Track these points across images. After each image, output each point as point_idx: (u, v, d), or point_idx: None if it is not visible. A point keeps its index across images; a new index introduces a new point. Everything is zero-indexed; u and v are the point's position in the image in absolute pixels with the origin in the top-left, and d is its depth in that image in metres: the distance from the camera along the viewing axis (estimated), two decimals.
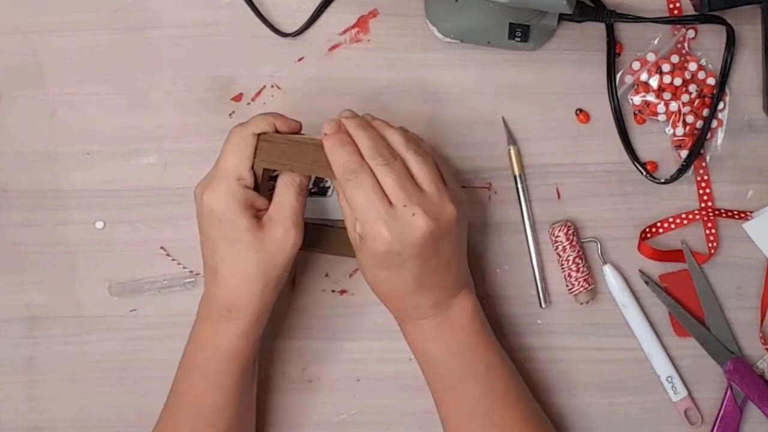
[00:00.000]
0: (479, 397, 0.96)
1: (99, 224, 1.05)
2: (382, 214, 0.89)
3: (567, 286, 1.04)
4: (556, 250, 1.04)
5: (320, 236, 1.01)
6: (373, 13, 1.05)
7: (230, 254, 0.92)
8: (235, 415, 0.97)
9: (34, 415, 1.06)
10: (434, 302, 0.94)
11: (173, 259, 1.05)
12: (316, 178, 1.01)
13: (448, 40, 1.04)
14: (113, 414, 1.06)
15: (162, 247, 1.05)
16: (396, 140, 0.92)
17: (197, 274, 1.05)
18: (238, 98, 1.05)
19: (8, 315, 1.06)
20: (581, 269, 1.03)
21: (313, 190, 1.02)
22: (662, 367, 1.04)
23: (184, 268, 1.05)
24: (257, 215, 0.93)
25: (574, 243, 1.03)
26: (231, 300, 0.94)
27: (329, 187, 1.03)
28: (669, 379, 1.04)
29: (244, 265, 0.92)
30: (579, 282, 1.03)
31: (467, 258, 0.98)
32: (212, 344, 0.95)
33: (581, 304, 1.04)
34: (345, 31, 1.05)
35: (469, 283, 0.97)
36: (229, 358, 0.95)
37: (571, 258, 1.03)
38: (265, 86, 1.05)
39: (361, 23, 1.05)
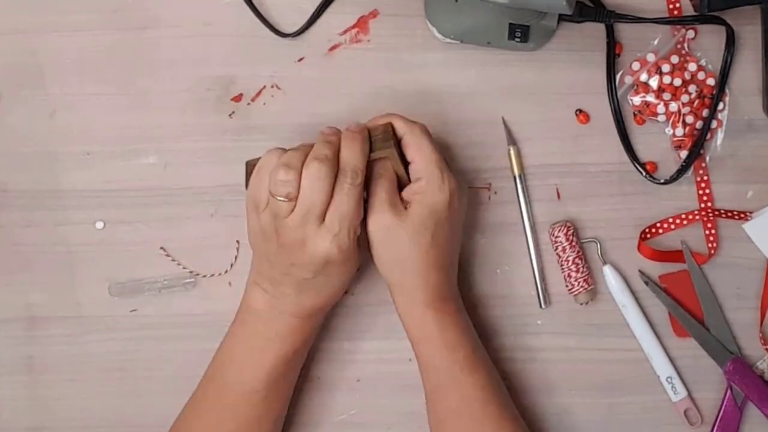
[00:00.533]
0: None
1: (99, 224, 1.05)
2: (443, 166, 0.95)
3: (567, 286, 1.04)
4: (555, 250, 1.04)
5: None
6: (373, 14, 1.05)
7: (330, 278, 0.95)
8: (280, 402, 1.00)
9: (34, 415, 1.06)
10: (452, 282, 0.98)
11: (173, 260, 1.05)
12: None
13: (448, 40, 1.04)
14: (113, 414, 1.06)
15: (162, 248, 1.05)
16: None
17: (197, 274, 1.05)
18: (238, 98, 1.05)
19: (8, 315, 1.06)
20: (581, 269, 1.03)
21: None
22: (662, 367, 1.04)
23: (184, 268, 1.05)
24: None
25: (573, 243, 1.03)
26: (320, 304, 0.97)
27: None
28: (669, 379, 1.04)
29: (341, 282, 0.97)
30: (579, 282, 1.03)
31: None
32: (294, 337, 0.97)
33: (581, 304, 1.04)
34: (345, 32, 1.05)
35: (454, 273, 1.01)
36: (306, 346, 0.99)
37: (570, 258, 1.03)
38: (265, 86, 1.05)
39: (361, 23, 1.05)
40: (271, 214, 0.92)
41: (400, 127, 0.95)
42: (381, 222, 0.94)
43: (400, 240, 0.94)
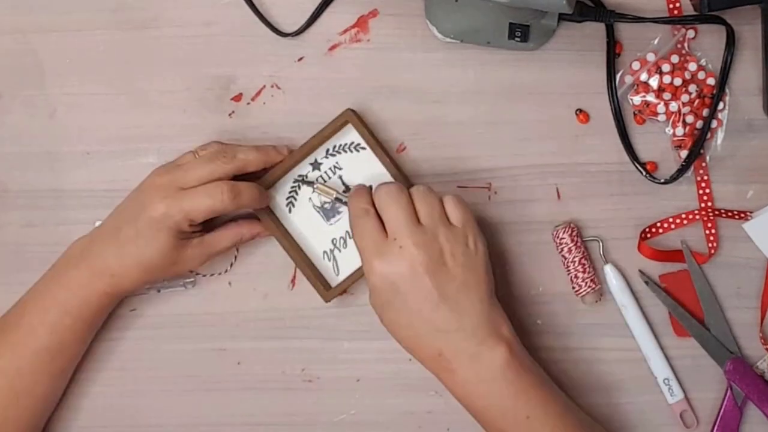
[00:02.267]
0: None
1: (99, 224, 1.05)
2: (373, 246, 0.94)
3: (573, 287, 1.04)
4: (560, 252, 1.04)
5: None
6: (373, 13, 1.05)
7: (142, 246, 0.97)
8: (68, 365, 1.02)
9: None
10: (456, 350, 0.93)
11: None
12: (337, 200, 1.04)
13: (448, 40, 1.04)
14: (113, 414, 1.06)
15: None
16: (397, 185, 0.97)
17: (197, 274, 1.05)
18: (238, 98, 1.05)
19: None
20: (587, 270, 1.03)
21: (325, 206, 1.04)
22: (660, 369, 1.04)
23: None
24: (191, 228, 0.99)
25: (578, 244, 1.03)
26: (116, 270, 0.98)
27: (339, 214, 1.05)
28: (666, 381, 1.04)
29: (147, 258, 0.98)
30: (586, 283, 1.03)
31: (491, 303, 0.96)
32: (82, 293, 0.99)
33: (588, 304, 1.04)
34: (345, 31, 1.05)
35: (498, 331, 0.94)
36: (91, 309, 1.00)
37: (576, 259, 1.03)
38: (265, 86, 1.05)
39: (361, 23, 1.05)
40: (174, 161, 1.01)
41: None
42: (373, 264, 0.96)
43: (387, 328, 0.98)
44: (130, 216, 0.98)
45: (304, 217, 1.04)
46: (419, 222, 0.94)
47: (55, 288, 0.99)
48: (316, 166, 1.04)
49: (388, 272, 0.93)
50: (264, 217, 1.02)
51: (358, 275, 1.02)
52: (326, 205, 1.04)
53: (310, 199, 1.04)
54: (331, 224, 1.04)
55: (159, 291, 1.05)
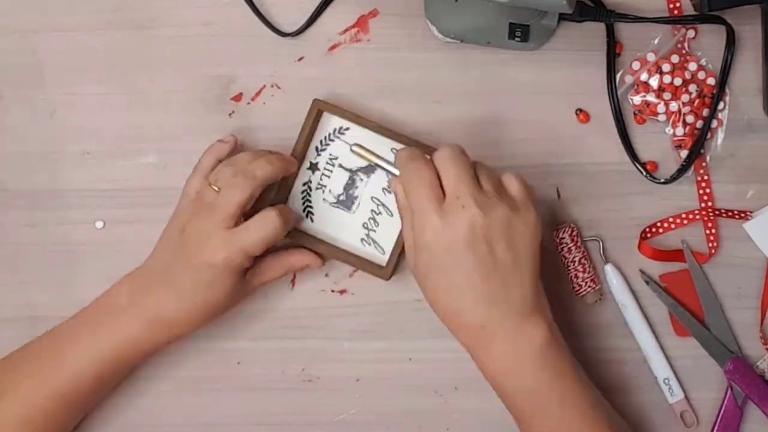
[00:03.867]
0: (550, 431, 0.92)
1: (99, 224, 1.05)
2: (434, 204, 0.89)
3: (574, 287, 1.04)
4: (561, 252, 1.04)
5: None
6: (373, 13, 1.05)
7: (201, 291, 0.96)
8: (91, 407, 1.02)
9: None
10: (498, 322, 0.90)
11: None
12: (347, 187, 1.03)
13: (448, 40, 1.04)
14: (113, 414, 1.06)
15: None
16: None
17: None
18: (238, 98, 1.05)
19: (8, 315, 1.06)
20: (587, 270, 1.03)
21: (341, 199, 1.03)
22: (660, 368, 1.04)
23: None
24: (250, 264, 0.99)
25: (579, 244, 1.03)
26: (173, 318, 0.97)
27: (356, 198, 1.03)
28: (666, 381, 1.04)
29: (208, 302, 0.97)
30: (586, 282, 1.03)
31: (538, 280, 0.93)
32: (129, 340, 0.97)
33: (588, 304, 1.04)
34: (345, 31, 1.05)
35: (542, 312, 0.92)
36: (135, 357, 0.99)
37: (577, 259, 1.03)
38: (265, 86, 1.05)
39: (361, 23, 1.05)
40: (198, 200, 0.97)
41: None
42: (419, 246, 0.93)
43: (425, 294, 0.94)
44: (184, 264, 0.96)
45: (327, 218, 1.03)
46: (481, 186, 0.91)
47: (104, 338, 0.97)
48: (313, 167, 1.04)
49: (446, 230, 0.88)
50: (298, 238, 1.02)
51: (401, 242, 1.00)
52: (341, 197, 1.03)
53: (324, 200, 1.03)
54: (353, 212, 1.03)
55: None
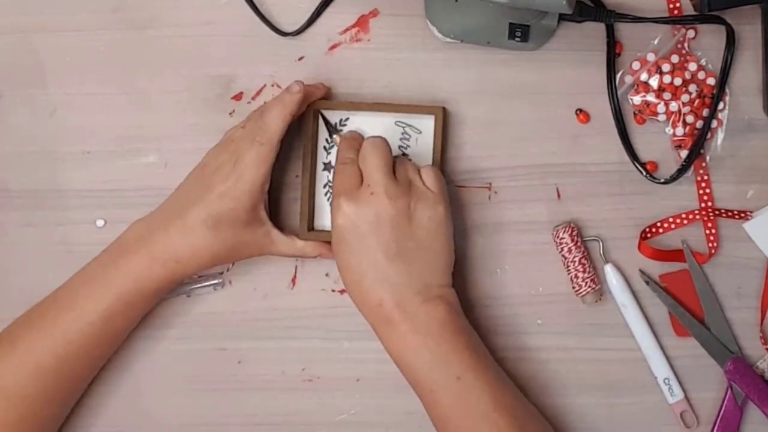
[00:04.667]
0: (450, 406, 0.95)
1: (99, 222, 1.05)
2: (347, 189, 0.96)
3: (573, 287, 1.04)
4: (561, 252, 1.04)
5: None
6: (373, 13, 1.05)
7: (213, 227, 0.97)
8: (110, 352, 1.02)
9: None
10: (398, 301, 0.95)
11: None
12: None
13: (448, 40, 1.04)
14: (113, 414, 1.06)
15: None
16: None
17: (221, 273, 1.05)
18: (238, 97, 1.05)
19: (8, 315, 1.05)
20: (587, 270, 1.03)
21: None
22: (660, 368, 1.04)
23: None
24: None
25: (578, 244, 1.03)
26: (182, 254, 0.97)
27: None
28: (666, 381, 1.04)
29: (219, 239, 0.98)
30: (586, 282, 1.03)
31: (453, 264, 0.99)
32: (143, 281, 0.98)
33: (588, 304, 1.04)
34: (345, 31, 1.05)
35: (444, 295, 0.97)
36: (147, 295, 0.99)
37: (577, 259, 1.03)
38: (265, 85, 1.05)
39: (361, 23, 1.05)
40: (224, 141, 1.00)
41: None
42: (344, 200, 0.98)
43: (339, 272, 1.00)
44: (197, 196, 0.98)
45: None
46: (395, 177, 0.97)
47: (111, 274, 0.98)
48: (327, 167, 1.04)
49: (354, 214, 0.95)
50: (326, 237, 1.02)
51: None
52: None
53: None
54: None
55: (188, 296, 1.05)
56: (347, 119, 1.03)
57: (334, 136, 1.03)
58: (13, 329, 1.00)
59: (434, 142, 1.02)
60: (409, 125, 1.03)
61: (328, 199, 1.04)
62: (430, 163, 1.02)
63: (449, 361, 0.95)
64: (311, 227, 1.03)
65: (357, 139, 1.00)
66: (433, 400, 0.96)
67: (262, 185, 0.98)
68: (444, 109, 1.03)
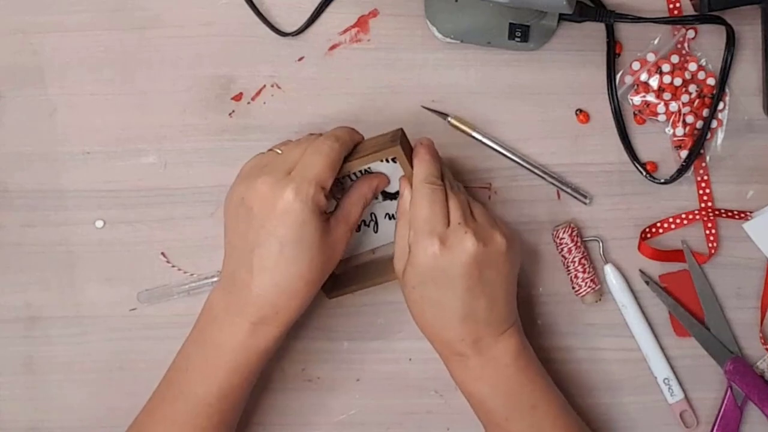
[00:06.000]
0: None
1: (99, 223, 1.05)
2: (438, 227, 0.92)
3: (573, 288, 1.04)
4: (561, 252, 1.04)
5: (356, 273, 1.03)
6: (373, 13, 1.05)
7: (293, 254, 0.91)
8: (235, 410, 0.98)
9: (34, 415, 1.06)
10: (477, 338, 0.94)
11: (173, 266, 1.05)
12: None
13: (448, 40, 1.04)
14: (113, 414, 1.06)
15: (162, 253, 1.05)
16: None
17: (220, 271, 1.05)
18: (238, 98, 1.05)
19: (8, 315, 1.06)
20: (587, 270, 1.03)
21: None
22: (659, 369, 1.04)
23: (185, 272, 1.05)
24: (326, 218, 0.94)
25: (578, 244, 1.03)
26: (278, 302, 0.92)
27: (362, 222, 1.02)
28: (666, 381, 1.04)
29: (305, 265, 0.92)
30: (586, 283, 1.03)
31: (515, 298, 0.98)
32: (246, 346, 0.93)
33: (588, 304, 1.04)
34: (345, 31, 1.05)
35: (515, 324, 0.97)
36: (261, 359, 0.95)
37: (576, 259, 1.03)
38: (265, 86, 1.05)
39: (361, 23, 1.05)
40: (258, 166, 0.94)
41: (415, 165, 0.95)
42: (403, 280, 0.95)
43: (407, 301, 0.96)
44: (255, 236, 0.91)
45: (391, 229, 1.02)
46: (476, 219, 0.95)
47: (212, 354, 0.94)
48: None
49: (445, 255, 0.92)
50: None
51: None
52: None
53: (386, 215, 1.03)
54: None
55: (188, 293, 1.05)
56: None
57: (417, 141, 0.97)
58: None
59: (405, 169, 0.96)
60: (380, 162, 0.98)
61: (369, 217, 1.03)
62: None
63: (524, 391, 0.95)
64: None
65: (437, 174, 0.95)
66: (507, 428, 0.95)
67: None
68: (401, 131, 0.97)
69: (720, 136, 1.04)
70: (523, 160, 1.04)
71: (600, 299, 1.04)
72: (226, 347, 0.94)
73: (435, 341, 0.96)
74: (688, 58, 1.03)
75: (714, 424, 1.04)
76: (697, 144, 1.03)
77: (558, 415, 0.96)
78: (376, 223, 1.03)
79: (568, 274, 1.04)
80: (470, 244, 0.92)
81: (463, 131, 1.03)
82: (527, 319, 1.05)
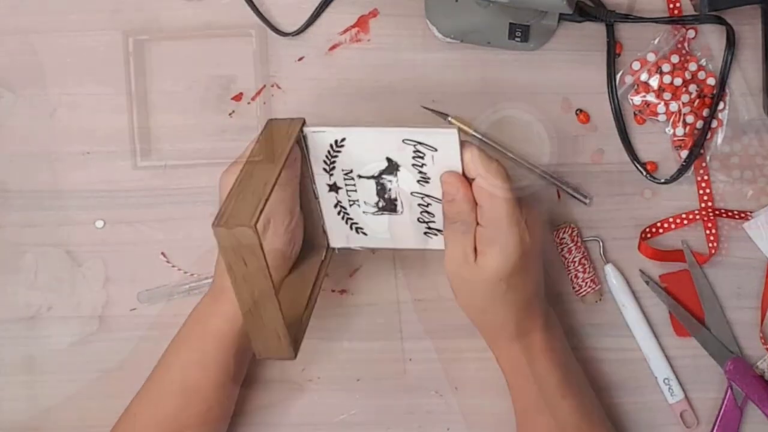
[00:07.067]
0: (578, 406, 0.97)
1: (99, 223, 1.05)
2: (518, 216, 0.90)
3: (574, 287, 1.04)
4: (561, 252, 1.04)
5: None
6: (373, 13, 1.05)
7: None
8: (216, 398, 0.98)
9: (34, 415, 1.06)
10: (521, 325, 0.95)
11: (173, 266, 1.05)
12: (380, 193, 0.96)
13: (448, 40, 1.04)
14: (113, 414, 1.06)
15: (162, 253, 1.05)
16: None
17: None
18: (238, 98, 1.05)
19: (8, 315, 1.06)
20: (587, 270, 1.03)
21: (381, 206, 0.96)
22: (660, 368, 1.04)
23: (185, 272, 1.05)
24: None
25: (579, 244, 1.03)
26: (222, 281, 0.96)
27: (396, 200, 0.95)
28: (666, 381, 1.04)
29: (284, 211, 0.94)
30: (586, 283, 1.03)
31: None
32: (204, 320, 0.97)
33: (588, 304, 1.04)
34: (345, 31, 1.05)
35: (547, 308, 0.98)
36: (216, 337, 0.97)
37: (577, 259, 1.03)
38: (265, 86, 1.05)
39: (361, 23, 1.05)
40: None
41: (475, 163, 0.89)
42: (454, 270, 0.92)
43: (474, 290, 0.93)
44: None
45: (380, 225, 0.98)
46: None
47: (196, 337, 0.98)
48: (333, 188, 0.96)
49: (500, 269, 0.91)
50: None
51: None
52: (380, 204, 0.96)
53: (364, 212, 0.97)
54: (402, 213, 0.96)
55: (188, 293, 1.05)
56: (344, 140, 0.91)
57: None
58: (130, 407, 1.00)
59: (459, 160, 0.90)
60: (421, 143, 0.91)
61: (346, 221, 0.98)
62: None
63: (578, 369, 0.99)
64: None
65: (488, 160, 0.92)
66: (559, 408, 0.96)
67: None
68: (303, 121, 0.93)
69: (720, 136, 1.04)
70: (524, 160, 1.04)
71: (600, 299, 1.04)
72: (197, 320, 0.97)
73: (481, 329, 0.96)
74: (688, 58, 1.03)
75: (714, 424, 1.04)
76: (697, 144, 1.03)
77: (594, 396, 0.99)
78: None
79: (569, 274, 1.04)
80: (538, 234, 0.94)
81: (463, 131, 1.03)
82: None
